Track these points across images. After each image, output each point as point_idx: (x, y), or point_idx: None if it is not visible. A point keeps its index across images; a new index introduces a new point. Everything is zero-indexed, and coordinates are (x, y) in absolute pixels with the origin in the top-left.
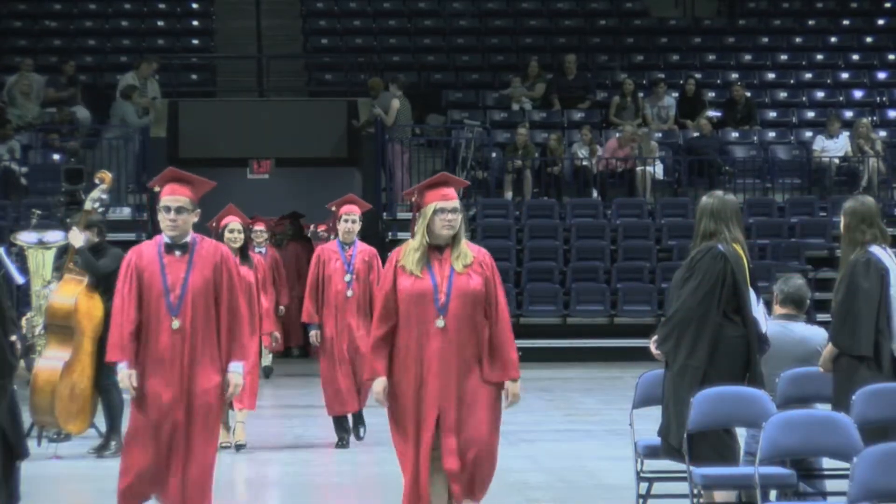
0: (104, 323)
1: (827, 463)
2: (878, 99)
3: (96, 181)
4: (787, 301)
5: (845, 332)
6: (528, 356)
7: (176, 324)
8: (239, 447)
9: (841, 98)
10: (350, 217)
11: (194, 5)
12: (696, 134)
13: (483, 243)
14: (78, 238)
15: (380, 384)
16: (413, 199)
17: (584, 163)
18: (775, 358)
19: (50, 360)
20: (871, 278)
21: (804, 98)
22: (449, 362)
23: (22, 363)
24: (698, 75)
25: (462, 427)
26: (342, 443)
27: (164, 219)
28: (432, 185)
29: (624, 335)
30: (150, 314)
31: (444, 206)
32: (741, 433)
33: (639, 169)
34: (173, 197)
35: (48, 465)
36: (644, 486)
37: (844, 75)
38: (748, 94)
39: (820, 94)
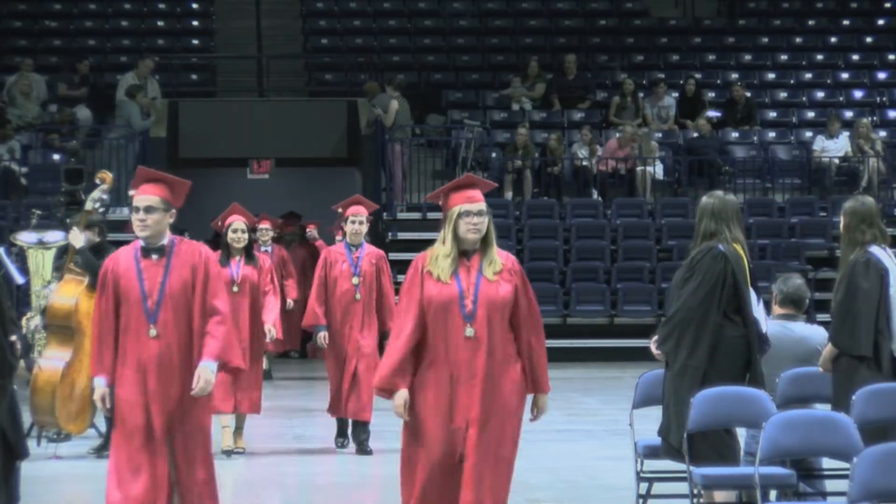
0: None
1: (827, 463)
2: (878, 99)
3: (97, 181)
4: (787, 301)
5: (845, 332)
6: None
7: (153, 332)
8: (228, 452)
9: (841, 98)
10: (357, 218)
11: (194, 5)
12: (696, 134)
13: None
14: (78, 238)
15: (401, 397)
16: (438, 203)
17: (584, 163)
18: (775, 358)
19: (50, 360)
20: (870, 278)
21: (804, 98)
22: (477, 374)
23: (22, 363)
24: (698, 75)
25: (486, 451)
26: (342, 443)
27: (134, 220)
28: (457, 188)
29: (624, 335)
30: (128, 321)
31: (469, 208)
32: (741, 433)
33: (639, 169)
34: (142, 196)
35: (48, 465)
36: (644, 486)
37: (844, 75)
38: (748, 94)
39: (820, 94)
